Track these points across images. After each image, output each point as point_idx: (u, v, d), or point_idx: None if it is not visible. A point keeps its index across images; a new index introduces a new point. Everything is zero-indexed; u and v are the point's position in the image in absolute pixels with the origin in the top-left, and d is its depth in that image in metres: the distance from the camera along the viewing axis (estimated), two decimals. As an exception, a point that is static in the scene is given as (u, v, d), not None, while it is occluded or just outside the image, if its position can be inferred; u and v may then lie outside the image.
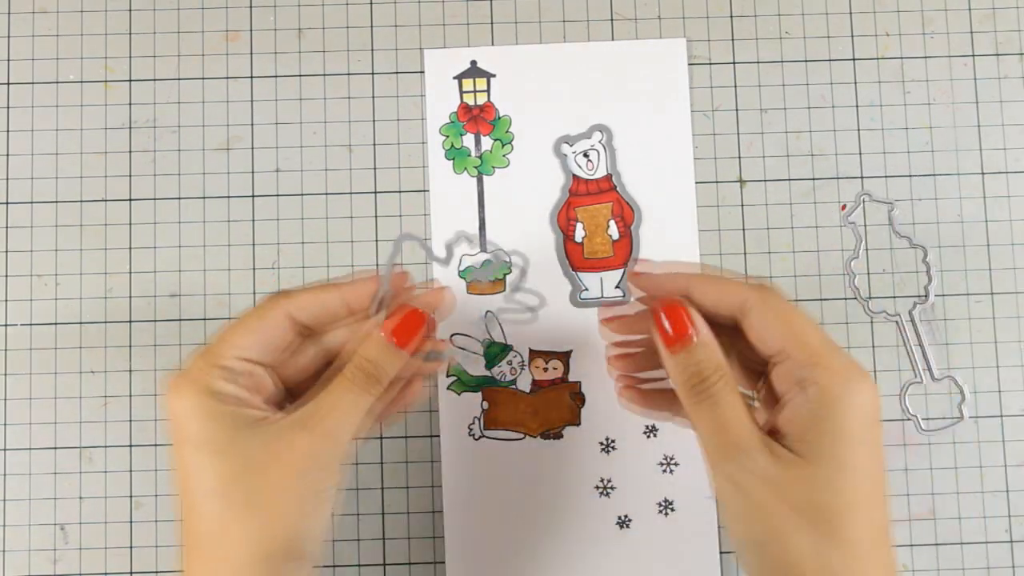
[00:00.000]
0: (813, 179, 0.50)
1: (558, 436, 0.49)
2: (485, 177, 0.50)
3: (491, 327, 0.49)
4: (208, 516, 0.36)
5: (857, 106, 0.51)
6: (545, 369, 0.49)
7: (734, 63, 0.51)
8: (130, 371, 0.49)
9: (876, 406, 0.35)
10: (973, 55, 0.51)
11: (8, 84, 0.51)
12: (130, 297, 0.50)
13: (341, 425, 0.38)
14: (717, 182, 0.50)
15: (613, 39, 0.51)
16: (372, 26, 0.51)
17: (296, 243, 0.50)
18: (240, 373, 0.38)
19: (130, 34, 0.51)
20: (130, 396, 0.49)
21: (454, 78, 0.51)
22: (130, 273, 0.50)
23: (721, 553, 0.48)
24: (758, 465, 0.35)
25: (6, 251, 0.50)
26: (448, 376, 0.49)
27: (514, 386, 0.49)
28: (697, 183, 0.50)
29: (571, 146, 0.50)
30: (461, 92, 0.51)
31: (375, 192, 0.50)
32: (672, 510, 0.49)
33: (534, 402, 0.49)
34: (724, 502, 0.37)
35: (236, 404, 0.37)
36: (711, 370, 0.37)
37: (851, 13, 0.51)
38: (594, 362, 0.49)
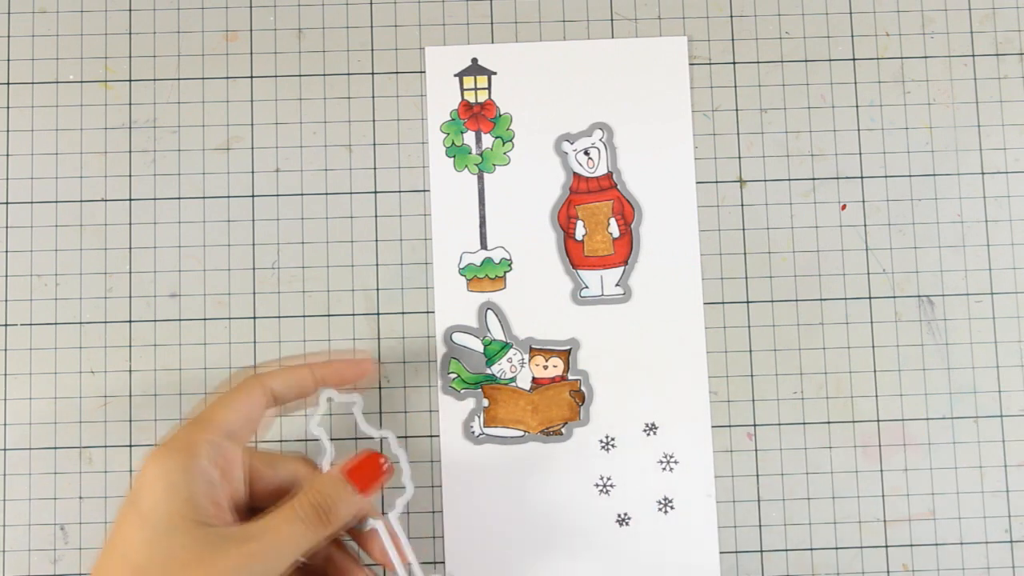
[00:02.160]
0: (813, 179, 0.50)
1: (558, 434, 0.49)
2: (486, 175, 0.50)
3: (491, 324, 0.49)
4: None
5: (857, 106, 0.51)
6: (545, 367, 0.49)
7: (734, 63, 0.51)
8: (130, 371, 0.49)
9: None
10: (973, 55, 0.51)
11: (8, 84, 0.51)
12: (130, 297, 0.50)
13: (278, 552, 0.37)
14: (717, 182, 0.50)
15: (613, 39, 0.51)
16: (372, 26, 0.51)
17: (296, 243, 0.50)
18: (221, 451, 0.38)
19: (130, 34, 0.51)
20: (130, 396, 0.49)
21: (455, 75, 0.51)
22: (130, 273, 0.50)
23: (720, 552, 0.48)
24: None
25: (6, 251, 0.50)
26: (448, 374, 0.49)
27: (514, 384, 0.49)
28: (697, 183, 0.50)
29: (572, 144, 0.50)
30: (462, 89, 0.51)
31: (375, 192, 0.50)
32: (672, 508, 0.48)
33: (534, 400, 0.49)
34: None
35: (207, 487, 0.37)
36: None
37: (851, 13, 0.51)
38: (594, 360, 0.49)
